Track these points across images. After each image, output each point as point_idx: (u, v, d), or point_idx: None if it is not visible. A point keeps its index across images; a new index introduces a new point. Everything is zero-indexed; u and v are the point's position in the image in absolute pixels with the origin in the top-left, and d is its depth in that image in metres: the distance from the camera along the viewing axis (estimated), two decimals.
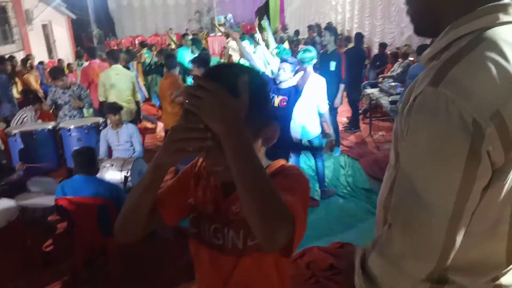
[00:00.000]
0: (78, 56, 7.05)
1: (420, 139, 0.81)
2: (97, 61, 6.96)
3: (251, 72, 1.03)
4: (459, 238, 0.82)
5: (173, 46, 12.77)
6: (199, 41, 7.92)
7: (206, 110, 0.86)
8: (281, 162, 1.12)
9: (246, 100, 0.91)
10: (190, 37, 10.00)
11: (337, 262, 3.35)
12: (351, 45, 7.74)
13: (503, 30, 0.80)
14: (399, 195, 0.87)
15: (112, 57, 5.67)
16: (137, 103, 5.80)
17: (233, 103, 0.88)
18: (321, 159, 4.48)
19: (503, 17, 0.81)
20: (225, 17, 18.83)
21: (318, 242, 3.70)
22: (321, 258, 3.39)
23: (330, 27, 6.84)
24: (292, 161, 4.39)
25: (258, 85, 1.01)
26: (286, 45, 8.82)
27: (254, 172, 0.87)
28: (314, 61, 4.22)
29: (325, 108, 4.23)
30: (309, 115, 4.21)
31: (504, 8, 0.82)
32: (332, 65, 5.52)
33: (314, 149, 4.48)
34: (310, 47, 4.40)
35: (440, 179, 0.79)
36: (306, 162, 5.30)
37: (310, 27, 10.94)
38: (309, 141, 4.41)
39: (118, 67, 5.58)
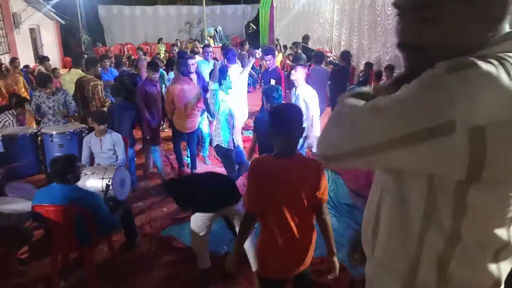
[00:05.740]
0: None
1: (403, 96, 0.80)
2: None
3: None
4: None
5: (162, 55, 12.80)
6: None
7: None
8: None
9: None
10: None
11: (318, 278, 3.33)
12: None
13: None
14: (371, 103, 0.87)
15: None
16: None
17: None
18: None
19: None
20: (215, 29, 18.93)
21: None
22: None
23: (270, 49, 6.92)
24: None
25: None
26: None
27: None
28: None
29: None
30: None
31: None
32: (273, 82, 5.78)
33: None
34: None
35: (385, 125, 0.81)
36: None
37: (295, 44, 10.94)
38: None
39: None
